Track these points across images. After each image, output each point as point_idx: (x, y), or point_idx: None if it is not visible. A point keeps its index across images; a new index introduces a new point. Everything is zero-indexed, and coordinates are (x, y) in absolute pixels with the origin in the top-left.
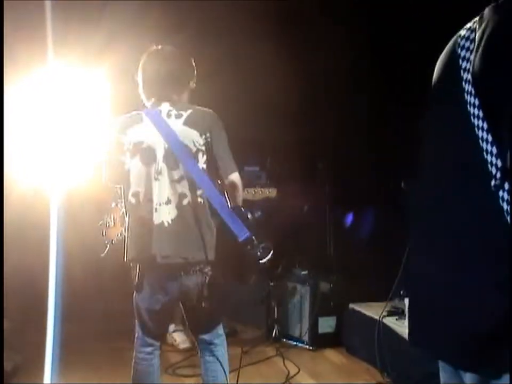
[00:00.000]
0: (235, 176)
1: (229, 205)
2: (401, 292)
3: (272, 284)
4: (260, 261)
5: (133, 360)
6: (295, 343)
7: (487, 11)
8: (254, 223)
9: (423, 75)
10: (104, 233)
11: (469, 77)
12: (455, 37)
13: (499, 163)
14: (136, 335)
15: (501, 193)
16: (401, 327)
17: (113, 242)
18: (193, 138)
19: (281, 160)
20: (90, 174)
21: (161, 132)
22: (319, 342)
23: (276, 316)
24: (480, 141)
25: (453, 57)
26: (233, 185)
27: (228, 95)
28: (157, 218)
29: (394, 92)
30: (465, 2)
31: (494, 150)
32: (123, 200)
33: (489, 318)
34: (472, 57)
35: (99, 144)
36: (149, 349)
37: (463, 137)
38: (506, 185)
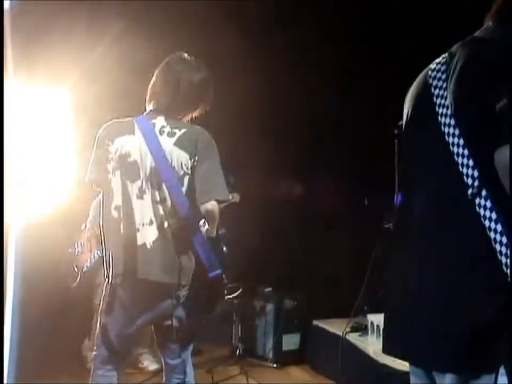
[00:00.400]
0: (210, 205)
1: (205, 236)
2: (365, 308)
3: (236, 301)
4: (227, 297)
5: (90, 378)
6: (259, 361)
7: (456, 47)
8: (229, 258)
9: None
10: (74, 262)
11: (443, 101)
12: (424, 71)
13: (475, 173)
14: (95, 353)
15: (477, 200)
16: (364, 343)
17: (83, 270)
18: (181, 161)
19: (248, 177)
20: (57, 196)
21: (150, 149)
22: (284, 359)
23: (240, 333)
24: (456, 156)
25: (425, 88)
26: (208, 214)
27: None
28: (139, 239)
29: (367, 113)
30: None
31: (471, 163)
32: (102, 211)
33: (469, 321)
34: (445, 85)
35: (64, 163)
36: (109, 367)
37: (439, 155)
38: (484, 192)
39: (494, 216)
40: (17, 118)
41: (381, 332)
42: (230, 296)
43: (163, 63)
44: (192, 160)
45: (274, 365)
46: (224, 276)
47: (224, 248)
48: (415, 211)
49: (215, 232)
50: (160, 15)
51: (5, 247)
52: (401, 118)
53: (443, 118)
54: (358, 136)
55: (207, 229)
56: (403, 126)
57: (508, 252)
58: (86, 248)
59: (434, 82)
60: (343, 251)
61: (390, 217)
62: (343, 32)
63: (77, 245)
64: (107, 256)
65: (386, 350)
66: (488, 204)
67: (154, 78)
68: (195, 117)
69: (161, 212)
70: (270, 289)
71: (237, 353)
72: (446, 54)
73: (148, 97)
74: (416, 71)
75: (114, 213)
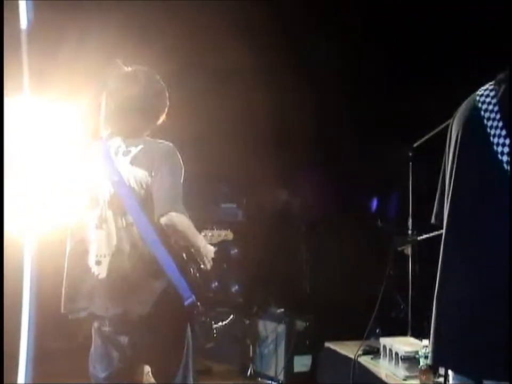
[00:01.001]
0: (166, 219)
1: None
2: (377, 330)
3: (247, 322)
4: (214, 326)
5: None
6: (270, 382)
7: (503, 76)
8: (200, 282)
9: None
10: None
11: (495, 123)
12: (470, 98)
13: None
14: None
15: None
16: (377, 366)
17: None
18: (140, 179)
19: (258, 198)
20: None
21: (106, 174)
22: (295, 380)
23: (251, 354)
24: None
25: (475, 111)
26: (168, 229)
27: (207, 132)
28: (101, 272)
29: (370, 127)
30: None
31: None
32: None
33: None
34: (496, 108)
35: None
36: None
37: (493, 173)
38: None
39: None
40: (32, 133)
41: (431, 343)
42: (218, 325)
43: (109, 82)
44: (150, 177)
45: None
46: (198, 303)
47: (193, 271)
48: (469, 228)
49: (195, 243)
50: (171, 31)
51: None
52: (414, 139)
53: (496, 138)
54: (369, 153)
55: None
56: (454, 147)
57: None
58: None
59: (484, 106)
60: (356, 272)
61: (401, 240)
62: (350, 47)
63: None
64: (65, 291)
65: (438, 361)
66: None
67: (105, 101)
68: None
69: (130, 238)
70: (282, 310)
71: (248, 373)
72: (493, 82)
73: (102, 122)
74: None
75: (73, 249)
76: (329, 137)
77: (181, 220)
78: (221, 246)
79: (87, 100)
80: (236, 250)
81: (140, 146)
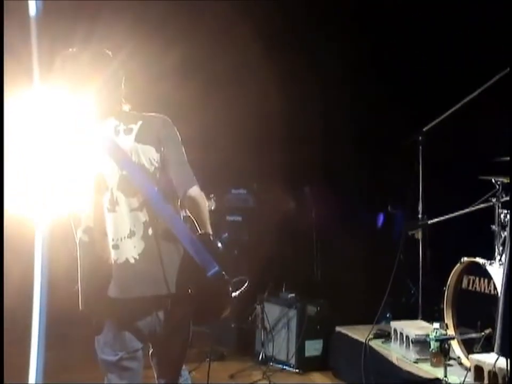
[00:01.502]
0: (194, 191)
1: (196, 232)
2: (388, 315)
3: (259, 307)
4: (233, 294)
5: None
6: (282, 366)
7: None
8: (226, 254)
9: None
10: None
11: None
12: None
13: None
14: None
15: None
16: (387, 349)
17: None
18: (149, 156)
19: (268, 184)
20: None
21: (110, 154)
22: (306, 365)
23: (262, 339)
24: None
25: None
26: (194, 202)
27: (217, 119)
28: (119, 256)
29: (381, 119)
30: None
31: None
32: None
33: None
34: None
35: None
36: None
37: None
38: None
39: None
40: (42, 124)
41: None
42: (237, 293)
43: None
44: (160, 153)
45: (297, 371)
46: (223, 273)
47: (219, 244)
48: None
49: (207, 223)
50: (174, 29)
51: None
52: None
53: None
54: (374, 145)
55: (199, 222)
56: None
57: None
58: None
59: None
60: (367, 257)
61: (412, 225)
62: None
63: None
64: (81, 284)
65: (502, 350)
66: None
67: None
68: None
69: (143, 218)
70: (293, 295)
71: (260, 358)
72: None
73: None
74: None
75: (84, 237)
76: (339, 126)
77: (202, 196)
78: (232, 232)
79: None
80: (246, 236)
81: (140, 122)
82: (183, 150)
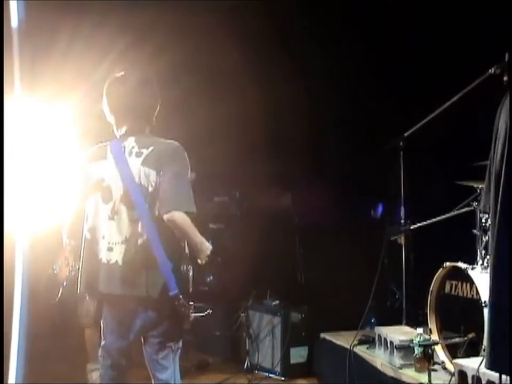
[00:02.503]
0: (172, 215)
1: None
2: (372, 320)
3: (243, 314)
4: (192, 315)
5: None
6: (267, 374)
7: None
8: (187, 279)
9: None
10: (54, 280)
11: None
12: None
13: None
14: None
15: None
16: (372, 355)
17: (64, 285)
18: (150, 178)
19: (251, 191)
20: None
21: (120, 172)
22: (291, 372)
23: (247, 347)
24: None
25: None
26: (173, 225)
27: (198, 127)
28: (111, 257)
29: (364, 126)
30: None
31: None
32: (82, 232)
33: None
34: None
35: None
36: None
37: None
38: None
39: None
40: (22, 133)
41: (484, 348)
42: (194, 316)
43: (106, 86)
44: (158, 176)
45: (282, 378)
46: (180, 296)
47: (184, 268)
48: None
49: (195, 244)
50: (163, 31)
51: (9, 257)
52: (405, 130)
53: None
54: (361, 149)
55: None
56: (504, 136)
57: None
58: (63, 266)
59: None
60: (351, 262)
61: (394, 230)
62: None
63: (56, 265)
64: (80, 272)
65: (491, 365)
66: None
67: (106, 104)
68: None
69: (138, 229)
70: (277, 302)
71: (244, 366)
72: None
73: (114, 123)
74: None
75: (88, 235)
76: (322, 133)
77: (181, 218)
78: (215, 240)
79: (83, 102)
80: (229, 243)
81: (151, 148)
82: (183, 177)
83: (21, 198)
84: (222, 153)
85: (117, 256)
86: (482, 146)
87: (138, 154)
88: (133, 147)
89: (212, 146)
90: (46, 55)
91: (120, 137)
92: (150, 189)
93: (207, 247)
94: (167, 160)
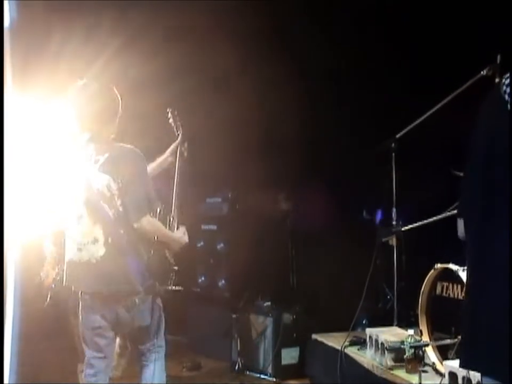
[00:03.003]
0: (141, 224)
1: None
2: (364, 321)
3: (234, 316)
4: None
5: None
6: (258, 375)
7: None
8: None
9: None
10: (42, 286)
11: None
12: (496, 90)
13: None
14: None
15: None
16: (363, 356)
17: (52, 288)
18: (106, 183)
19: (243, 192)
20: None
21: (81, 177)
22: (283, 373)
23: (239, 348)
24: None
25: (501, 103)
26: (144, 231)
27: (192, 128)
28: (83, 257)
29: (357, 128)
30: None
31: None
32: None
33: None
34: None
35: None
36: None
37: None
38: None
39: None
40: (16, 131)
41: (462, 345)
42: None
43: (69, 95)
44: (117, 182)
45: (274, 379)
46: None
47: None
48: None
49: (169, 244)
50: (160, 31)
51: (5, 263)
52: (395, 132)
53: None
54: (354, 151)
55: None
56: (484, 141)
57: None
58: (50, 271)
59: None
60: (342, 264)
61: (386, 231)
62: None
63: (43, 273)
64: (60, 275)
65: (467, 364)
66: None
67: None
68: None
69: (102, 230)
70: (268, 303)
71: (236, 367)
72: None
73: (79, 130)
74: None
75: (67, 235)
76: (316, 134)
77: (149, 224)
78: (207, 241)
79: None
80: (222, 245)
81: (106, 155)
82: (141, 180)
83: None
84: (214, 153)
85: (89, 255)
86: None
87: (96, 161)
88: (91, 154)
89: (203, 147)
90: (39, 54)
91: (84, 143)
92: (108, 194)
93: (181, 241)
94: (121, 166)
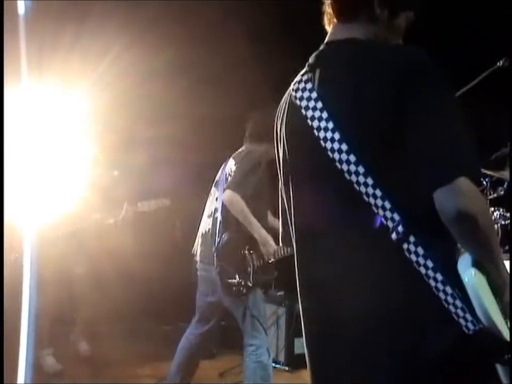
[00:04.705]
0: (224, 194)
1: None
2: None
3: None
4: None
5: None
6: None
7: (312, 60)
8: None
9: None
10: None
11: (323, 124)
12: (288, 92)
13: (396, 217)
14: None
15: (405, 245)
16: None
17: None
18: (231, 168)
19: None
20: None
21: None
22: (295, 362)
23: None
24: (366, 197)
25: (295, 110)
26: (224, 200)
27: (202, 120)
28: (203, 227)
29: None
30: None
31: (387, 205)
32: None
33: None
34: (316, 105)
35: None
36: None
37: (344, 195)
38: (412, 238)
39: (430, 264)
40: (30, 122)
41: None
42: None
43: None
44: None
45: (286, 368)
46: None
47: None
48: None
49: (245, 224)
50: (170, 24)
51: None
52: None
53: (328, 143)
54: None
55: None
56: (283, 147)
57: (456, 301)
58: None
59: (303, 103)
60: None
61: None
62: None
63: None
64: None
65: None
66: (420, 250)
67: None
68: None
69: (214, 206)
70: (281, 293)
71: None
72: (304, 70)
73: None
74: None
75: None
76: None
77: (231, 196)
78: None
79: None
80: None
81: (240, 149)
82: (245, 167)
83: (25, 190)
84: (223, 145)
85: (207, 226)
86: (492, 138)
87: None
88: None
89: (213, 139)
90: (53, 43)
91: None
92: (229, 177)
93: (267, 237)
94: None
